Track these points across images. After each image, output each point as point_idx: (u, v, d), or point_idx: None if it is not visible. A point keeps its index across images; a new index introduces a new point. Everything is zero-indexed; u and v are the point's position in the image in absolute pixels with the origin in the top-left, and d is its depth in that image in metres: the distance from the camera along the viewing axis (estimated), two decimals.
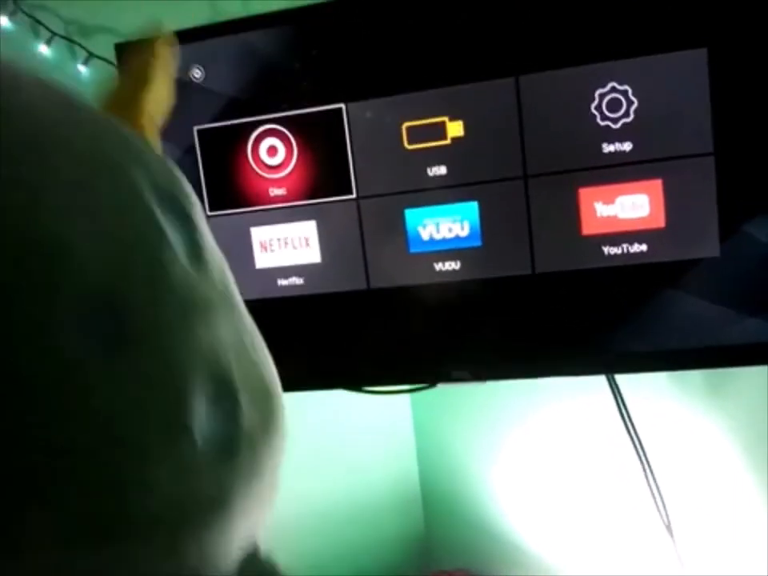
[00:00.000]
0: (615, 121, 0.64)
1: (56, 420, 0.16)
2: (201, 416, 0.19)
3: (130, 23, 0.88)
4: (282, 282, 0.75)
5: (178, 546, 0.19)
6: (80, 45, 0.89)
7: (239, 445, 0.21)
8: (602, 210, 0.65)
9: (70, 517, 0.17)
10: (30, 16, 0.87)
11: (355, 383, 0.79)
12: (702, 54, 0.61)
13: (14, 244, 0.16)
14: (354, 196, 0.71)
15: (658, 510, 0.80)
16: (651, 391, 0.82)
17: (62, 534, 0.17)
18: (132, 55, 0.34)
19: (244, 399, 0.21)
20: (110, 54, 0.80)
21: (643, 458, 0.79)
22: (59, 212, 0.17)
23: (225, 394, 0.20)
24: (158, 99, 0.33)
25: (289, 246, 0.74)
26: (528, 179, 0.67)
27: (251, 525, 0.23)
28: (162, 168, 0.22)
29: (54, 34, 0.88)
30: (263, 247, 0.75)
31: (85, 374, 0.16)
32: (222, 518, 0.20)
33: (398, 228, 0.71)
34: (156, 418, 0.18)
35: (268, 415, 0.23)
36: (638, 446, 0.79)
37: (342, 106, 0.70)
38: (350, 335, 0.76)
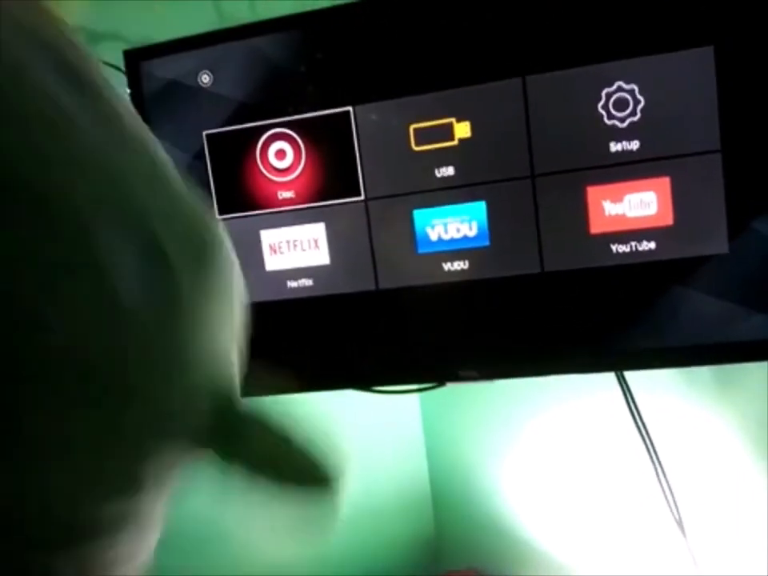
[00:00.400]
0: (622, 120, 0.64)
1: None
2: (128, 267, 0.19)
3: (137, 30, 0.89)
4: (292, 284, 0.76)
5: (141, 400, 0.19)
6: None
7: (176, 286, 0.20)
8: (610, 208, 0.66)
9: None
10: None
11: (364, 383, 0.80)
12: (708, 51, 0.61)
13: None
14: (362, 198, 0.72)
15: (669, 507, 0.80)
16: (661, 388, 0.82)
17: None
18: None
19: (172, 243, 0.21)
20: (119, 61, 0.81)
21: (653, 455, 0.79)
22: None
23: (148, 243, 0.20)
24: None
25: (298, 249, 0.75)
26: (535, 179, 0.67)
27: (217, 364, 0.22)
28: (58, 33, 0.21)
29: None
30: (273, 250, 0.76)
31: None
32: (169, 362, 0.20)
33: (406, 229, 0.71)
34: (71, 265, 0.18)
35: (201, 244, 0.23)
36: (648, 443, 0.79)
37: (350, 108, 0.71)
38: (359, 336, 0.76)
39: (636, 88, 0.63)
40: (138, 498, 0.21)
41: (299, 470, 0.24)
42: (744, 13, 0.60)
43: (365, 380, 0.79)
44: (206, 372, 0.22)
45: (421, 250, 0.72)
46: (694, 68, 0.62)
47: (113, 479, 0.20)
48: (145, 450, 0.20)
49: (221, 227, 0.24)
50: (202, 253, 0.22)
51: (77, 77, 0.21)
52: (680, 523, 0.80)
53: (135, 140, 0.22)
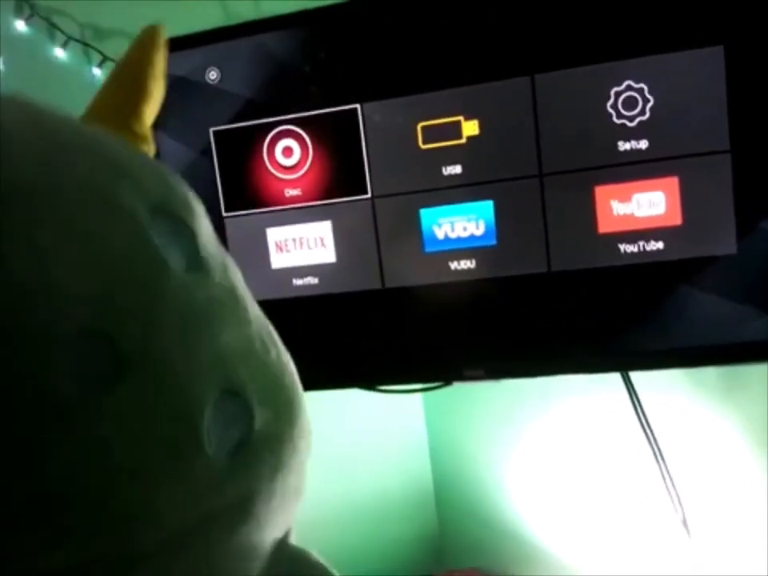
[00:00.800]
0: (631, 119, 0.64)
1: (52, 460, 0.16)
2: (210, 430, 0.19)
3: (143, 26, 0.89)
4: (298, 281, 0.76)
5: (208, 556, 0.20)
6: (95, 48, 0.90)
7: (254, 448, 0.21)
8: (619, 208, 0.65)
9: (83, 551, 0.17)
10: (46, 20, 0.88)
11: (369, 382, 0.79)
12: (718, 51, 0.61)
13: (5, 290, 0.16)
14: (368, 196, 0.72)
15: (674, 507, 0.80)
16: (666, 388, 0.81)
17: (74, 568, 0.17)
18: (127, 60, 0.33)
19: (255, 401, 0.21)
20: None
21: (658, 456, 0.79)
22: (47, 253, 0.17)
23: (236, 401, 0.20)
24: (153, 107, 0.32)
25: (304, 246, 0.75)
26: (543, 178, 0.67)
27: (280, 520, 0.23)
28: (154, 178, 0.22)
29: (70, 37, 0.89)
30: (279, 248, 0.75)
31: (80, 412, 0.16)
32: (249, 520, 0.21)
33: (412, 227, 0.71)
34: (163, 443, 0.18)
35: (285, 412, 0.23)
36: (653, 444, 0.79)
37: (357, 106, 0.71)
38: (364, 334, 0.76)
39: (645, 87, 0.63)
40: None
41: None
42: (754, 12, 0.60)
43: (369, 379, 0.79)
44: (270, 540, 0.23)
45: (427, 249, 0.71)
46: (704, 67, 0.61)
47: None
48: None
49: (301, 392, 0.26)
50: (284, 419, 0.23)
51: (174, 216, 0.22)
52: (685, 523, 0.80)
53: (239, 304, 0.23)
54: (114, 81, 0.32)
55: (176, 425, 0.18)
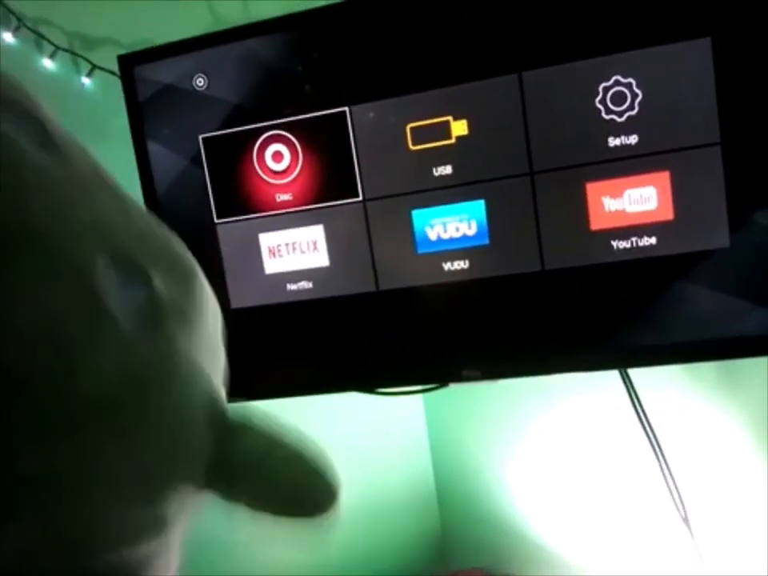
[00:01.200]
0: (620, 114, 0.64)
1: None
2: (109, 290, 0.19)
3: (132, 35, 0.89)
4: (292, 286, 0.75)
5: (143, 417, 0.19)
6: (83, 57, 0.89)
7: (164, 313, 0.21)
8: (610, 204, 0.65)
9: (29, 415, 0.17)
10: (33, 31, 0.88)
11: (367, 385, 0.79)
12: (705, 43, 0.60)
13: None
14: (360, 198, 0.72)
15: (675, 504, 0.80)
16: (665, 385, 0.81)
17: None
18: None
19: (149, 264, 0.21)
20: (114, 66, 0.80)
21: (658, 452, 0.79)
22: None
23: (125, 264, 0.20)
24: None
25: (297, 251, 0.74)
26: (534, 176, 0.67)
27: (206, 388, 0.23)
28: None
29: (58, 48, 0.88)
30: (272, 253, 0.75)
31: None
32: (174, 378, 0.21)
33: (405, 229, 0.71)
34: (69, 308, 0.18)
35: (184, 275, 0.23)
36: (653, 440, 0.78)
37: (346, 109, 0.70)
38: (360, 337, 0.76)
39: (633, 82, 0.63)
40: (165, 535, 0.21)
41: (295, 475, 0.24)
42: (740, 3, 0.59)
43: (367, 382, 0.79)
44: (204, 395, 0.22)
45: (420, 250, 0.71)
46: (692, 60, 0.61)
47: (143, 523, 0.20)
48: (169, 486, 0.21)
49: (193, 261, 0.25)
50: (184, 278, 0.23)
51: (22, 109, 0.21)
52: (686, 520, 0.80)
53: (105, 181, 0.23)
54: None
55: (74, 287, 0.18)
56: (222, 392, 0.24)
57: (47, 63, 0.89)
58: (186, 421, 0.21)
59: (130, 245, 0.21)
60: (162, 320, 0.21)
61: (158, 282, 0.21)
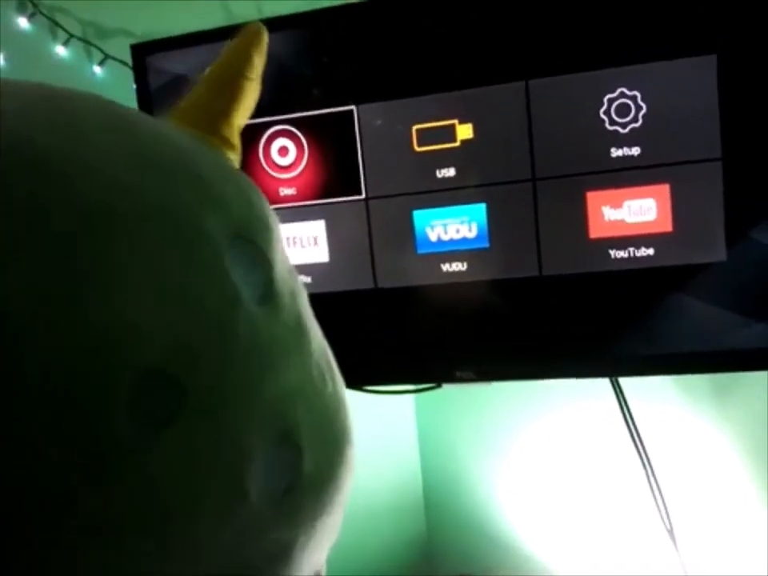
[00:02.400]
0: (624, 125, 0.65)
1: (99, 495, 0.16)
2: (259, 475, 0.19)
3: (145, 25, 0.90)
4: None
5: None
6: (96, 46, 0.90)
7: (301, 493, 0.20)
8: (610, 213, 0.66)
9: None
10: (48, 18, 0.89)
11: (360, 383, 0.80)
12: (711, 60, 0.61)
13: (82, 330, 0.16)
14: (363, 197, 0.72)
15: (661, 515, 0.80)
16: (655, 395, 0.82)
17: None
18: (224, 60, 0.29)
19: (308, 444, 0.20)
20: (126, 56, 0.81)
21: (646, 463, 0.79)
22: (125, 292, 0.17)
23: (287, 445, 0.20)
24: (245, 111, 0.29)
25: (297, 245, 0.75)
26: (536, 182, 0.67)
27: (314, 559, 0.22)
28: (239, 198, 0.21)
29: (71, 35, 0.89)
30: None
31: (133, 450, 0.16)
32: (287, 565, 0.20)
33: (406, 229, 0.72)
34: (207, 489, 0.18)
35: (334, 451, 0.22)
36: (642, 450, 0.79)
37: (353, 108, 0.71)
38: (356, 334, 0.76)
39: (638, 94, 0.64)
40: None
41: None
42: (747, 22, 0.60)
43: (360, 379, 0.79)
44: (307, 564, 0.22)
45: (420, 251, 0.72)
46: (697, 76, 0.62)
47: None
48: None
49: (352, 430, 0.25)
50: (333, 462, 0.23)
51: (254, 245, 0.21)
52: (671, 531, 0.80)
53: (295, 318, 0.22)
54: (206, 80, 0.29)
55: (223, 472, 0.18)
56: (323, 566, 0.24)
57: (60, 51, 0.90)
58: None
59: (297, 421, 0.20)
60: (300, 501, 0.20)
61: (308, 465, 0.20)
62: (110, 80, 0.91)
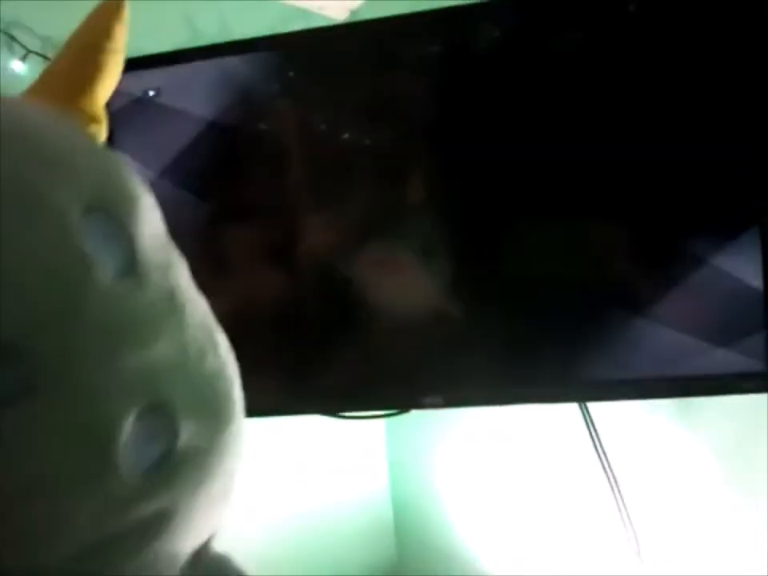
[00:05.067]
0: None
1: None
2: (130, 446, 0.18)
3: None
4: None
5: (120, 568, 0.19)
6: None
7: (178, 463, 0.20)
8: None
9: None
10: (5, 33, 0.86)
11: (328, 409, 0.78)
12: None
13: None
14: None
15: (629, 538, 0.81)
16: (622, 416, 0.82)
17: None
18: (83, 30, 0.28)
19: (182, 415, 0.20)
20: None
21: (614, 486, 0.79)
22: None
23: (158, 416, 0.20)
24: (109, 84, 0.28)
25: None
26: None
27: (202, 528, 0.22)
28: (95, 171, 0.21)
29: (29, 51, 0.87)
30: None
31: None
32: (165, 534, 0.20)
33: None
34: (72, 461, 0.17)
35: (214, 422, 0.22)
36: (610, 474, 0.79)
37: None
38: (322, 360, 0.75)
39: None
40: None
41: None
42: None
43: (328, 406, 0.78)
44: (192, 532, 0.23)
45: None
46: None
47: None
48: None
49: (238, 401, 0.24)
50: (215, 432, 0.23)
51: (112, 218, 0.21)
52: (639, 554, 0.81)
53: (175, 312, 0.22)
54: (66, 53, 0.28)
55: (86, 443, 0.18)
56: (215, 533, 0.24)
57: (17, 65, 0.88)
58: (158, 571, 0.21)
59: (169, 392, 0.20)
60: (175, 471, 0.20)
61: (185, 436, 0.20)
62: None
